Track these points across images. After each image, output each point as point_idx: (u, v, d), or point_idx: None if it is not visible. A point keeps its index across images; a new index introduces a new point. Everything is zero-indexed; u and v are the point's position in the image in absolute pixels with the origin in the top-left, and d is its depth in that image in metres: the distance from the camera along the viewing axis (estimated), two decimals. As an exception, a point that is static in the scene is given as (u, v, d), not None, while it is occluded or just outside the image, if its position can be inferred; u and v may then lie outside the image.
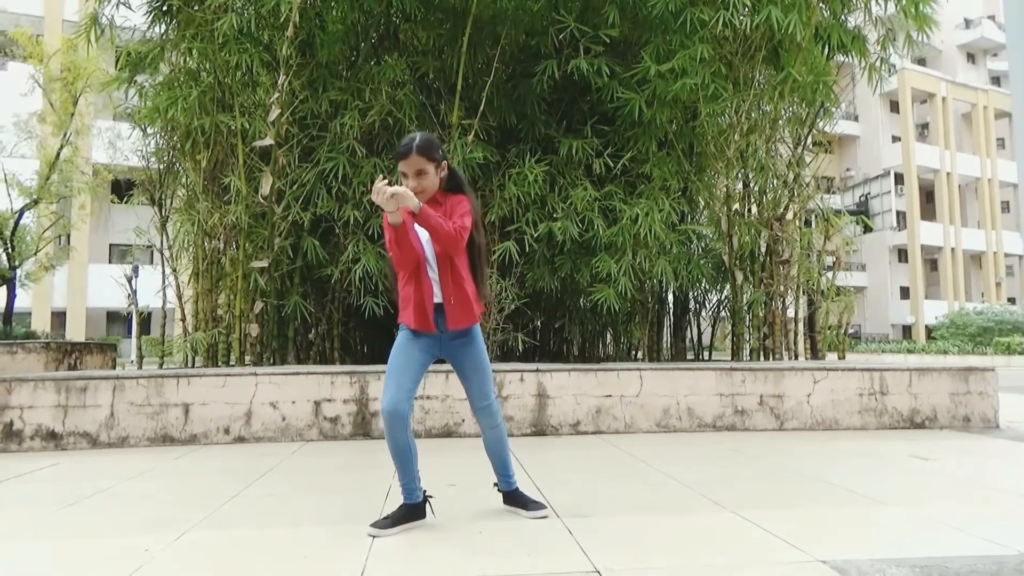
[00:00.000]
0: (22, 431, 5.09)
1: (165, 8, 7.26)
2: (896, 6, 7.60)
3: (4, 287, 13.83)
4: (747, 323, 7.69)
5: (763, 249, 7.90)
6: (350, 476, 4.07)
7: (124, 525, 2.95)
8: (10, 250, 13.79)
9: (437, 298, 2.77)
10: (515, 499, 3.07)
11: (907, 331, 40.45)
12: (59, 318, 27.71)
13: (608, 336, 9.11)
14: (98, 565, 2.43)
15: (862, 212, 38.62)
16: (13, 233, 13.86)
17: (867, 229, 14.16)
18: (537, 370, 5.56)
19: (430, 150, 2.69)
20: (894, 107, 42.88)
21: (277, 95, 6.57)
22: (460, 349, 2.85)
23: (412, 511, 2.83)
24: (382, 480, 3.73)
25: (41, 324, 25.64)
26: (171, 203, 8.46)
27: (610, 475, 3.95)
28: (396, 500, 3.06)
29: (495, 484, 3.12)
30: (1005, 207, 43.79)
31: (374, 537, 2.68)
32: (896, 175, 41.06)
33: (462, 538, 2.67)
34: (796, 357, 8.61)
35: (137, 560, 2.43)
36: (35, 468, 4.35)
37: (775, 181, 7.99)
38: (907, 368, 6.01)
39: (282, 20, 6.53)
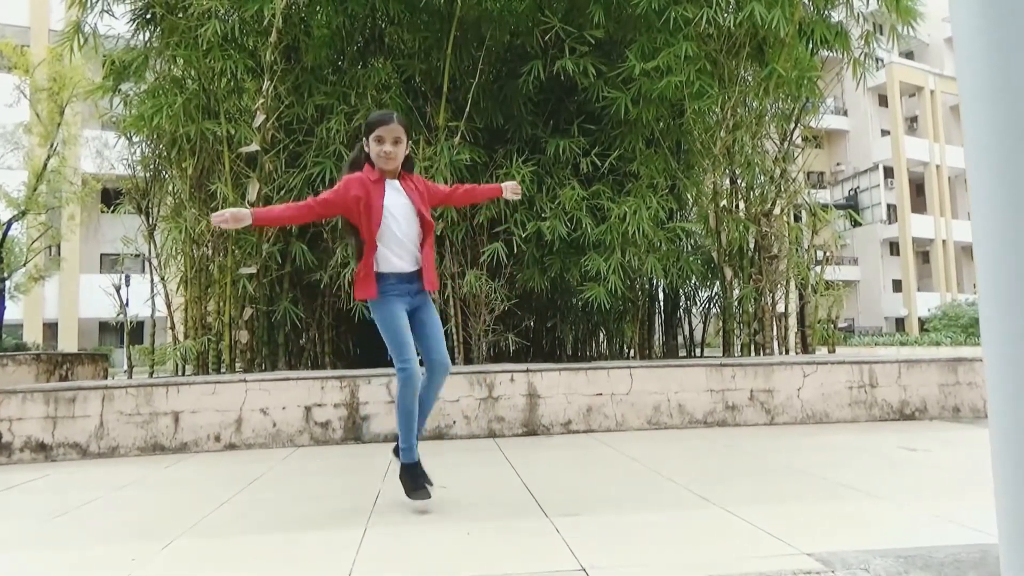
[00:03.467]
0: (11, 443, 5.06)
1: (149, 16, 7.24)
2: (879, 1, 7.64)
3: (-6, 299, 13.78)
4: (738, 319, 7.71)
5: (752, 245, 7.92)
6: (340, 481, 4.06)
7: (112, 534, 2.94)
8: (-2, 262, 13.74)
9: (412, 267, 3.14)
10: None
11: (900, 324, 40.59)
12: (51, 329, 27.56)
13: (600, 335, 9.12)
14: (85, 574, 2.41)
15: (851, 206, 38.74)
16: (1, 245, 13.79)
17: (855, 223, 14.23)
18: (527, 370, 5.56)
19: (407, 125, 3.17)
20: (883, 101, 43.03)
21: (262, 101, 6.57)
22: (424, 308, 3.20)
23: (418, 467, 3.12)
24: (372, 484, 3.73)
25: (33, 335, 25.48)
26: (158, 211, 8.43)
27: (599, 473, 3.95)
28: (388, 502, 3.09)
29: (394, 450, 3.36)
30: (995, 198, 43.87)
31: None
32: (885, 168, 41.22)
33: (449, 539, 2.67)
34: (787, 352, 8.63)
35: (124, 569, 2.42)
36: (24, 480, 4.33)
37: (762, 177, 8.01)
38: (896, 360, 6.03)
39: (265, 25, 6.52)
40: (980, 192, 0.81)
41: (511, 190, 3.57)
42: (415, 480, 3.09)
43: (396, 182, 3.15)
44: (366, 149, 3.11)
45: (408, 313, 3.13)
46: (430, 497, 3.05)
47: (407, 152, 3.18)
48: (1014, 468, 0.75)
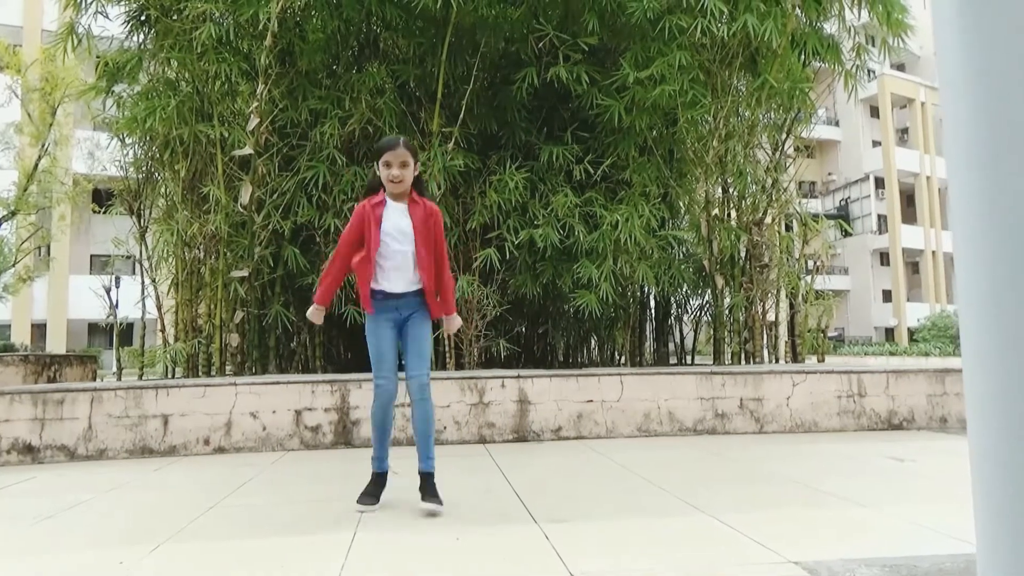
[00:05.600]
0: (-2, 445, 5.02)
1: (143, 18, 7.24)
2: (870, 14, 7.72)
3: (-18, 299, 13.68)
4: (728, 327, 7.75)
5: (743, 254, 7.97)
6: (329, 486, 4.04)
7: (100, 538, 2.92)
8: (-13, 262, 13.65)
9: (404, 288, 3.22)
10: (424, 483, 3.22)
11: (890, 333, 40.80)
12: (40, 330, 27.32)
13: (592, 342, 9.14)
14: (70, 579, 2.40)
15: (842, 216, 38.94)
16: (-9, 245, 13.71)
17: (846, 233, 14.36)
18: (519, 376, 5.57)
19: (414, 149, 3.28)
20: (874, 112, 43.33)
21: (256, 104, 6.57)
22: (411, 322, 3.24)
23: (383, 479, 3.31)
24: (362, 488, 3.71)
25: (21, 336, 25.29)
26: (150, 213, 8.40)
27: (589, 480, 3.96)
28: (378, 506, 3.09)
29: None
30: (984, 210, 44.12)
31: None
32: (876, 179, 41.49)
33: (439, 545, 2.67)
34: (777, 361, 8.68)
35: (112, 573, 2.41)
36: (11, 483, 4.30)
37: (754, 186, 8.07)
38: (884, 370, 6.07)
39: (260, 29, 6.53)
40: (960, 201, 0.83)
41: (452, 325, 3.49)
42: (369, 487, 3.28)
43: (402, 205, 3.24)
44: (378, 174, 3.25)
45: (399, 326, 3.25)
46: (372, 506, 3.20)
47: (416, 173, 3.27)
48: (991, 476, 0.77)
